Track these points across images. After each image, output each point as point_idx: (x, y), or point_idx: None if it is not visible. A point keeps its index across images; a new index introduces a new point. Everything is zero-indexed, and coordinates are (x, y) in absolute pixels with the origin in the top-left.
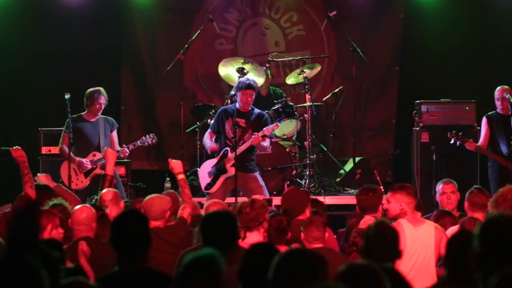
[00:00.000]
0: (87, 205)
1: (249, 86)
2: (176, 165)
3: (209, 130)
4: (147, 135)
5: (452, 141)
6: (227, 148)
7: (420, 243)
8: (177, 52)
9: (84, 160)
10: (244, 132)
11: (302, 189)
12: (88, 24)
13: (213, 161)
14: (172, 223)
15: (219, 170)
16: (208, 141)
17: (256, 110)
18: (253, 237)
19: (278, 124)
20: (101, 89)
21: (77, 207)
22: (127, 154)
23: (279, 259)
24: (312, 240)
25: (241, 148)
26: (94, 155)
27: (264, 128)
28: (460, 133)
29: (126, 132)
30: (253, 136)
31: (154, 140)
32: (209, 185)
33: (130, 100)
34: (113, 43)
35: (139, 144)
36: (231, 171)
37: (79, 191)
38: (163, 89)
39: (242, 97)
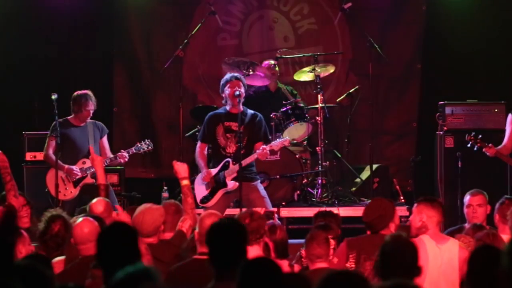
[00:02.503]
0: (88, 218)
1: (235, 77)
2: (181, 168)
3: (198, 142)
4: (143, 142)
5: (469, 145)
6: (229, 159)
7: (443, 263)
8: (175, 48)
9: (73, 167)
10: (237, 137)
11: (388, 200)
12: (77, 18)
13: (213, 171)
14: (169, 236)
15: (217, 183)
16: (201, 160)
17: (249, 111)
18: (253, 252)
19: (289, 140)
20: (89, 93)
21: (78, 221)
22: (127, 159)
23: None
24: (314, 258)
25: (245, 161)
26: (83, 163)
27: (273, 143)
28: (480, 136)
29: (119, 136)
30: (259, 150)
31: (150, 147)
32: (206, 199)
33: (123, 101)
34: (105, 39)
35: (134, 151)
36: (231, 185)
37: (66, 202)
38: (160, 89)
39: (228, 93)
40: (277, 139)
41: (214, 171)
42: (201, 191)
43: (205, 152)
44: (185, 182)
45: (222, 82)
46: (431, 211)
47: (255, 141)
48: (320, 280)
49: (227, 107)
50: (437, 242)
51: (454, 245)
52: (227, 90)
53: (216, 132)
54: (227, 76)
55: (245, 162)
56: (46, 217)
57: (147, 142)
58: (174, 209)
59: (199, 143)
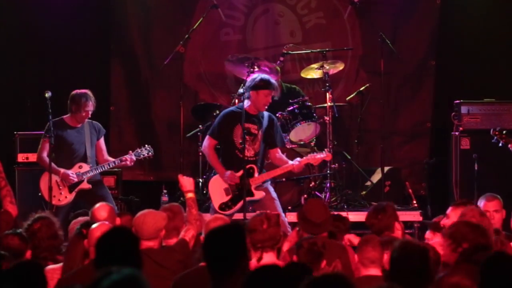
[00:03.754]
0: (105, 222)
1: (270, 84)
2: (187, 183)
3: (207, 136)
4: (142, 147)
5: (494, 139)
6: (253, 165)
7: None
8: (176, 44)
9: (69, 172)
10: (254, 140)
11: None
12: (72, 11)
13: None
14: (172, 243)
15: (241, 190)
16: (215, 159)
17: (265, 113)
18: (267, 258)
19: (331, 155)
20: (89, 93)
21: (94, 225)
22: (133, 163)
23: None
24: (368, 263)
25: (276, 172)
26: (80, 167)
27: (311, 155)
28: (505, 131)
29: (116, 137)
30: (295, 162)
31: (150, 153)
32: (227, 206)
33: (121, 99)
34: (101, 33)
35: (134, 157)
36: (258, 195)
37: (60, 207)
38: (159, 86)
39: (261, 98)
40: (317, 154)
41: (237, 175)
42: (219, 195)
43: (214, 148)
44: (190, 195)
45: (256, 80)
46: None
47: (272, 146)
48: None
49: (246, 106)
50: None
51: None
52: (260, 95)
53: (234, 133)
54: (266, 79)
55: (275, 172)
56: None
57: (148, 148)
58: (175, 210)
59: (209, 139)
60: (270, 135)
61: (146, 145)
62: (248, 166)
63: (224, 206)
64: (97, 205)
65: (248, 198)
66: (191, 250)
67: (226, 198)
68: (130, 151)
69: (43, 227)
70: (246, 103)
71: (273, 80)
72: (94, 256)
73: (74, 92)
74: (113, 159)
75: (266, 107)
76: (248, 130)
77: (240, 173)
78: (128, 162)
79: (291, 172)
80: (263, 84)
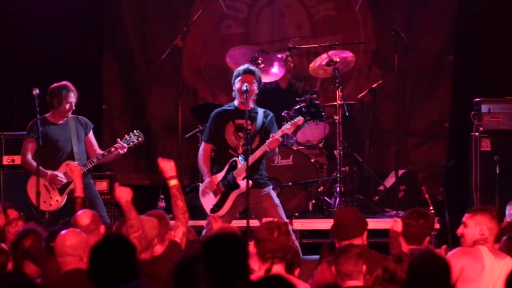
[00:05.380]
0: (75, 229)
1: (249, 70)
2: (167, 166)
3: (202, 143)
4: (131, 133)
5: None
6: (235, 158)
7: (499, 279)
8: (174, 37)
9: (57, 173)
10: (246, 139)
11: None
12: (61, 3)
13: (219, 176)
14: (160, 251)
15: (228, 186)
16: (204, 166)
17: (260, 109)
18: (278, 270)
19: (302, 118)
20: (68, 84)
21: (62, 232)
22: (126, 150)
23: None
24: (343, 276)
25: (254, 156)
26: (67, 165)
27: (285, 126)
28: None
29: (109, 138)
30: (268, 140)
31: (140, 139)
32: (217, 206)
33: (114, 97)
34: (93, 25)
35: (124, 144)
36: (244, 184)
37: (53, 213)
38: (156, 83)
39: (239, 84)
40: (288, 122)
41: (220, 175)
42: (209, 200)
43: (209, 155)
44: (173, 182)
45: (235, 72)
46: (491, 222)
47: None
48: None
49: (236, 103)
50: (495, 255)
51: (511, 263)
52: (237, 84)
53: (226, 131)
54: (241, 67)
55: (253, 157)
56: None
57: (137, 133)
58: (158, 217)
59: (203, 145)
60: (264, 131)
61: (135, 131)
62: (230, 161)
63: (216, 208)
64: (80, 211)
65: (236, 191)
66: (182, 248)
67: (215, 200)
68: (118, 139)
69: (34, 242)
70: (236, 100)
71: (252, 67)
72: (87, 266)
73: (52, 86)
74: (102, 152)
75: (248, 97)
76: (240, 126)
77: (223, 172)
78: (119, 150)
79: (298, 175)
80: (236, 72)
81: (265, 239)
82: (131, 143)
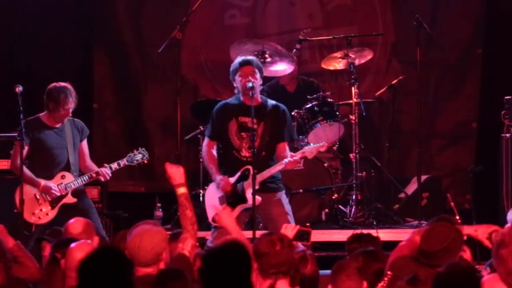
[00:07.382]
0: (87, 241)
1: (247, 61)
2: (176, 173)
3: (206, 138)
4: (136, 151)
5: None
6: (249, 167)
7: None
8: (172, 29)
9: (51, 185)
10: (251, 140)
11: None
12: None
13: (231, 180)
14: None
15: (235, 198)
16: (211, 164)
17: (270, 102)
18: (283, 287)
19: (327, 145)
20: (69, 86)
21: (73, 244)
22: (108, 177)
23: None
24: None
25: (269, 172)
26: (63, 177)
27: (306, 148)
28: None
29: (101, 140)
30: (287, 159)
31: (145, 158)
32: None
33: (105, 95)
34: (82, 17)
35: (126, 163)
36: (252, 200)
37: (40, 227)
38: (152, 79)
39: (240, 82)
40: (311, 144)
41: (232, 179)
42: (213, 207)
43: (215, 152)
44: (182, 190)
45: (231, 67)
46: None
47: (278, 141)
48: None
49: (241, 97)
50: None
51: None
52: (238, 79)
53: (229, 130)
54: (237, 60)
55: (268, 173)
56: None
57: (142, 151)
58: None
59: (206, 140)
60: (274, 128)
61: (140, 148)
62: (243, 168)
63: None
64: (72, 220)
65: (242, 206)
66: (192, 264)
67: (219, 208)
68: (105, 164)
69: None
70: (241, 94)
71: (247, 57)
72: (76, 283)
73: (51, 86)
74: (89, 172)
75: (254, 92)
76: (244, 125)
77: (235, 178)
78: (101, 178)
79: (310, 182)
80: (233, 67)
81: (267, 252)
82: (135, 161)
